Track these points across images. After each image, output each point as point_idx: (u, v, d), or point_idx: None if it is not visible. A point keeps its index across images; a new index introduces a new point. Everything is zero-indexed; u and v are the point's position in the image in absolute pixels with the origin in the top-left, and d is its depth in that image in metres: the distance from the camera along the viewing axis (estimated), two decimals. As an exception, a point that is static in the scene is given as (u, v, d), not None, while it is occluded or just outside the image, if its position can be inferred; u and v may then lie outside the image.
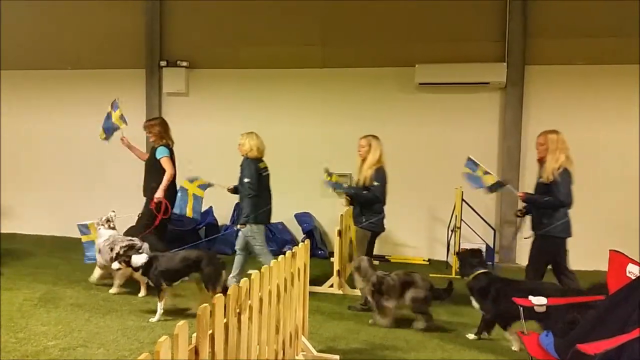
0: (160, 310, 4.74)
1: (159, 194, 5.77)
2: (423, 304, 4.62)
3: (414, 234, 7.64)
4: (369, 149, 5.34)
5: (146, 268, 4.77)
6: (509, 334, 4.24)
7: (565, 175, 4.71)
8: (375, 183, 5.25)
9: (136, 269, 4.84)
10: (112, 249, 5.29)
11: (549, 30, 7.23)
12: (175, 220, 7.78)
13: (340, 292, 5.73)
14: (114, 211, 5.88)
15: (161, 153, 6.00)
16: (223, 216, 8.04)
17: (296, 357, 3.80)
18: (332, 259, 6.24)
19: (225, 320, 2.56)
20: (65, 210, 8.31)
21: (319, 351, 4.00)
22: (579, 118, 7.13)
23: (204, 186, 6.02)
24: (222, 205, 7.99)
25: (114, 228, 5.72)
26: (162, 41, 8.46)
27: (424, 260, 7.33)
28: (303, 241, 4.07)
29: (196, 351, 2.27)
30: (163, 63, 8.37)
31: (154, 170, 5.97)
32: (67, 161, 8.69)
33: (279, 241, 7.53)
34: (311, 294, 4.46)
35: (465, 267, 4.54)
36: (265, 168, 5.77)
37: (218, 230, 7.83)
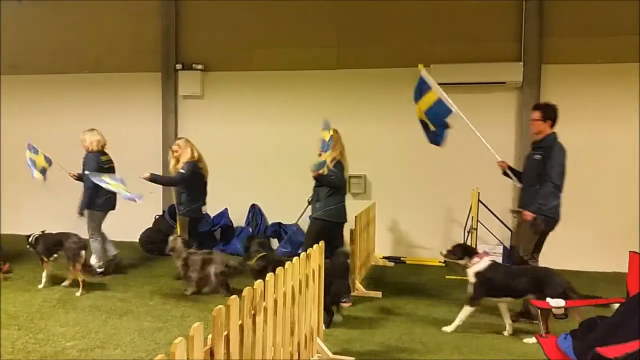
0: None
1: None
2: (221, 277, 5.38)
3: (430, 235, 7.58)
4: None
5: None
6: None
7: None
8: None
9: None
10: None
11: (566, 29, 7.14)
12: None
13: (355, 293, 5.71)
14: None
15: None
16: (237, 218, 8.07)
17: (311, 359, 3.79)
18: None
19: (240, 322, 2.57)
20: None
21: (334, 353, 3.98)
22: (596, 117, 7.04)
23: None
24: (238, 207, 8.04)
25: None
26: (177, 45, 8.53)
27: (440, 262, 7.29)
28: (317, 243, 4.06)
29: (211, 352, 2.28)
30: (179, 66, 8.44)
31: None
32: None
33: (293, 243, 7.53)
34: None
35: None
36: (109, 161, 6.45)
37: (233, 232, 7.87)
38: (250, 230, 7.79)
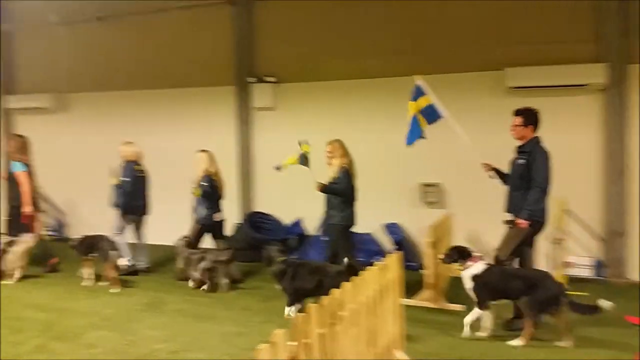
0: None
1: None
2: (211, 271, 6.12)
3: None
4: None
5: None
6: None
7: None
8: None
9: None
10: None
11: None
12: (265, 230, 8.12)
13: (435, 305, 5.59)
14: None
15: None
16: (312, 228, 8.19)
17: (390, 371, 3.78)
18: (423, 272, 6.14)
19: (320, 331, 2.63)
20: (165, 220, 8.82)
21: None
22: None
23: None
24: (312, 217, 8.15)
25: None
26: (250, 58, 8.82)
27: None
28: (393, 252, 4.06)
29: (294, 360, 2.36)
30: (252, 79, 8.70)
31: None
32: (170, 176, 8.93)
33: (367, 252, 7.53)
34: (405, 307, 4.42)
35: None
36: (141, 170, 7.24)
37: (307, 241, 8.00)
38: (325, 240, 7.87)
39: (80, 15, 9.59)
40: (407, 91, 7.74)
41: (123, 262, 6.72)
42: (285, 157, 6.29)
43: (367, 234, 7.78)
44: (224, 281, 6.23)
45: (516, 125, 4.97)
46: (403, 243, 7.49)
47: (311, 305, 2.60)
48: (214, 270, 6.19)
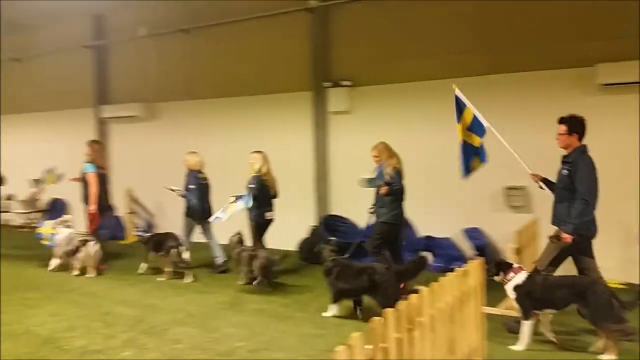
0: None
1: None
2: (263, 270, 6.24)
3: (605, 253, 6.77)
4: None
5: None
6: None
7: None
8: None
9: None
10: (68, 243, 7.34)
11: None
12: (341, 233, 8.14)
13: (518, 314, 5.31)
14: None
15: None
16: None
17: (470, 379, 3.65)
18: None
19: (397, 335, 2.58)
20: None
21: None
22: None
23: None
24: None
25: (69, 227, 7.71)
26: (327, 63, 8.90)
27: (620, 284, 6.40)
28: (474, 258, 3.92)
29: (372, 363, 2.33)
30: (327, 84, 8.77)
31: None
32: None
33: (446, 257, 7.34)
34: (487, 315, 4.24)
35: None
36: (205, 178, 7.66)
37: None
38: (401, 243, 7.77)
39: (167, 28, 10.16)
40: (486, 91, 7.53)
41: (186, 256, 7.06)
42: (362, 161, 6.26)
43: (447, 239, 7.57)
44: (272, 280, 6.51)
45: (560, 134, 4.83)
46: (485, 249, 7.20)
47: (388, 310, 2.55)
48: (266, 268, 6.33)
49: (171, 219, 10.09)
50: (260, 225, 7.05)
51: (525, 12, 7.24)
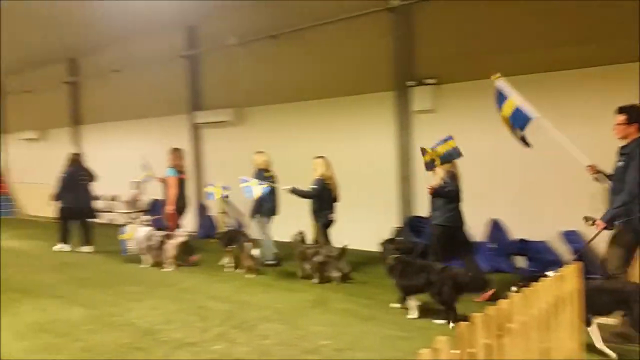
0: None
1: None
2: (324, 265, 6.74)
3: None
4: None
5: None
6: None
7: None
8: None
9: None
10: (149, 239, 8.12)
11: None
12: (426, 234, 7.95)
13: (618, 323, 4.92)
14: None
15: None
16: (477, 234, 7.82)
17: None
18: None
19: (486, 341, 2.49)
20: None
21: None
22: None
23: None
24: (477, 222, 7.79)
25: (147, 225, 8.69)
26: (410, 61, 8.77)
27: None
28: (572, 262, 3.68)
29: (459, 368, 2.26)
30: (411, 83, 8.64)
31: None
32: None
33: (541, 261, 6.94)
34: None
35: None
36: (271, 177, 8.04)
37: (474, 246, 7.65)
38: (492, 247, 7.48)
39: (256, 35, 10.52)
40: (582, 85, 7.04)
41: (256, 252, 7.46)
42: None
43: (542, 242, 7.17)
44: (335, 274, 6.74)
45: (618, 124, 4.67)
46: (583, 253, 6.73)
47: (476, 315, 2.47)
48: (326, 264, 6.72)
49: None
50: (324, 225, 7.36)
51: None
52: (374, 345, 4.55)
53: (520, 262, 7.31)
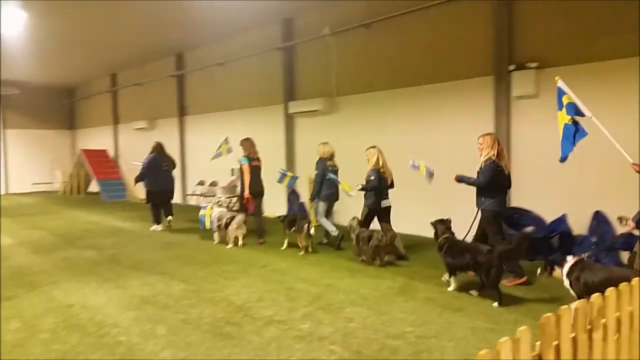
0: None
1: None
2: (378, 249, 7.19)
3: None
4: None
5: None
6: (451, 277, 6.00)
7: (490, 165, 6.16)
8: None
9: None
10: (219, 219, 9.15)
11: None
12: (524, 227, 7.61)
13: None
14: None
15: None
16: (579, 226, 7.36)
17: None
18: None
19: (573, 335, 2.39)
20: (420, 211, 9.06)
21: None
22: None
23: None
24: (578, 212, 7.34)
25: (221, 206, 10.22)
26: (510, 45, 8.39)
27: None
28: None
29: (540, 359, 2.21)
30: (511, 67, 8.29)
31: None
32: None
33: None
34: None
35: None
36: (334, 165, 8.81)
37: (573, 240, 7.22)
38: (594, 240, 7.00)
39: (349, 25, 10.59)
40: None
41: (312, 232, 8.16)
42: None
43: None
44: (387, 257, 7.25)
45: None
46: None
47: (563, 308, 2.38)
48: (379, 248, 7.17)
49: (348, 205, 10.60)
50: (373, 211, 7.79)
51: None
52: (460, 336, 4.48)
53: (627, 257, 6.76)
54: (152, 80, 17.66)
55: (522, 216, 7.84)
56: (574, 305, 2.44)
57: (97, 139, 21.94)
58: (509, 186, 6.55)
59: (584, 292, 4.50)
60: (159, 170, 10.74)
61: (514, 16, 8.30)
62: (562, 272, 4.75)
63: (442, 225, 6.31)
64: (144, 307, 5.44)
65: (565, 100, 5.77)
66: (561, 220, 7.36)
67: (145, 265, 7.50)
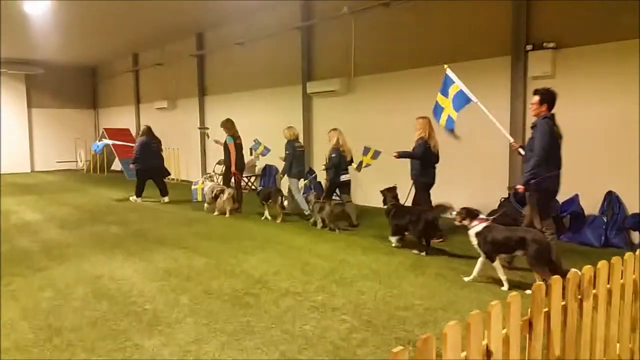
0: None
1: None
2: (331, 217, 8.49)
3: None
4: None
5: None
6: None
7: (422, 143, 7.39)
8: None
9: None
10: (212, 192, 10.24)
11: None
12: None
13: None
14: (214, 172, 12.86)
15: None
16: (591, 206, 7.45)
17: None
18: None
19: (563, 303, 2.57)
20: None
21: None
22: None
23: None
24: (591, 194, 7.42)
25: (212, 181, 11.31)
26: (528, 25, 8.38)
27: None
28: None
29: (530, 323, 2.40)
30: (529, 47, 8.29)
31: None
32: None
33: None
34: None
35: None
36: (300, 145, 9.90)
37: (584, 220, 7.32)
38: (605, 220, 7.09)
39: (368, 4, 10.62)
40: None
41: (285, 204, 9.39)
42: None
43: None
44: (341, 225, 8.50)
45: (532, 104, 5.60)
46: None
47: (554, 278, 2.56)
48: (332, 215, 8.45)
49: (364, 187, 10.79)
50: (335, 184, 8.89)
51: None
52: (467, 309, 4.67)
53: (637, 237, 6.86)
54: (173, 60, 17.92)
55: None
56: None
57: (120, 118, 22.40)
58: (437, 161, 7.60)
59: (491, 250, 5.30)
60: (149, 151, 12.02)
61: (532, -3, 8.28)
62: (470, 234, 5.51)
63: (390, 193, 7.38)
64: (168, 279, 5.75)
65: (452, 90, 6.56)
66: (573, 200, 7.45)
67: (168, 240, 7.84)
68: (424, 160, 7.39)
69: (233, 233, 8.32)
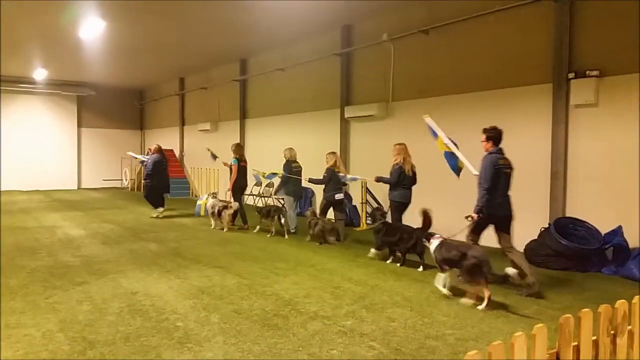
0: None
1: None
2: (323, 233, 9.36)
3: None
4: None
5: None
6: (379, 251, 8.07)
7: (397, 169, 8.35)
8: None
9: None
10: (212, 207, 11.09)
11: None
12: (577, 238, 7.50)
13: None
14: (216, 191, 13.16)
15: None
16: (634, 238, 7.15)
17: None
18: None
19: (594, 338, 2.49)
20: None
21: None
22: None
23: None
24: (634, 224, 7.13)
25: (215, 198, 11.61)
26: (571, 52, 8.25)
27: None
28: None
29: (557, 356, 2.33)
30: (571, 75, 8.15)
31: None
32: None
33: None
34: None
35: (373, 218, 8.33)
36: (297, 165, 10.65)
37: (628, 253, 7.03)
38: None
39: (407, 31, 10.71)
40: None
41: (282, 221, 10.18)
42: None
43: None
44: (331, 239, 9.38)
45: (482, 141, 6.38)
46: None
47: (584, 311, 2.48)
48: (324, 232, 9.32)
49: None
50: (330, 202, 9.63)
51: None
52: (498, 340, 4.54)
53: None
54: (216, 84, 18.48)
55: (576, 226, 7.70)
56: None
57: (165, 139, 23.15)
58: (414, 183, 8.45)
59: (443, 262, 5.86)
60: (160, 168, 12.92)
61: (574, 22, 8.17)
62: (430, 250, 6.14)
63: (379, 212, 8.12)
64: (200, 297, 5.85)
65: (440, 147, 7.18)
66: (616, 232, 7.18)
67: (204, 258, 7.98)
68: (397, 184, 8.30)
69: (267, 254, 8.40)
